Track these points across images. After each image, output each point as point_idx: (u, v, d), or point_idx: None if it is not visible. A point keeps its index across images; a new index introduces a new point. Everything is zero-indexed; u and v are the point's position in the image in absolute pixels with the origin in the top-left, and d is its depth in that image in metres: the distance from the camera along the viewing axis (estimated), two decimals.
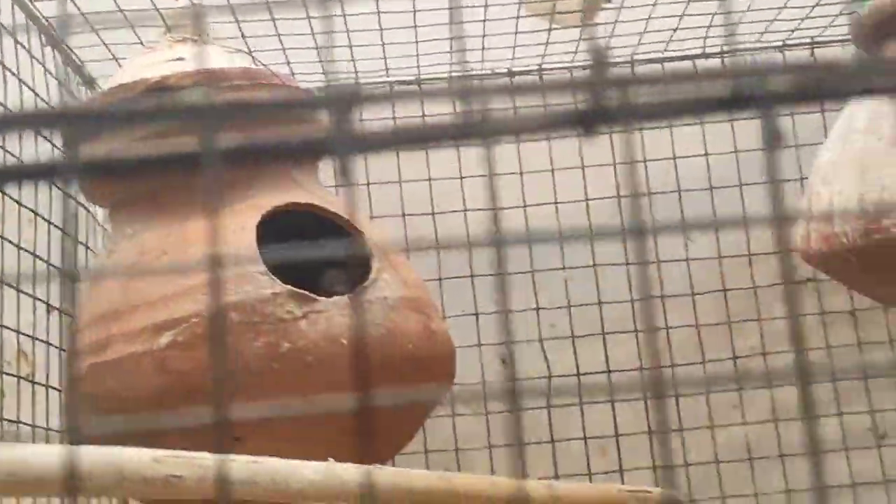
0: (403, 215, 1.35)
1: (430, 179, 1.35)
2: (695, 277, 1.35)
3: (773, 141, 0.28)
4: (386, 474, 0.84)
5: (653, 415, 1.31)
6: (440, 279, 1.33)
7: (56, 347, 1.11)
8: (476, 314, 1.33)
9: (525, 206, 1.34)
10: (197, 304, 0.96)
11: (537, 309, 1.33)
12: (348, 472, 0.83)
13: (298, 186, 1.08)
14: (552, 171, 1.35)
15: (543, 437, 1.30)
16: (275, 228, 1.03)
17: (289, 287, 0.97)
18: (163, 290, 0.98)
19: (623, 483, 1.28)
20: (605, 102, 0.29)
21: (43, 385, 1.08)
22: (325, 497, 0.85)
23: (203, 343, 0.95)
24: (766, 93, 0.28)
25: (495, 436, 1.31)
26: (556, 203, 1.35)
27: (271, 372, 0.94)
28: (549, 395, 1.30)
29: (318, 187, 1.11)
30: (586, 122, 0.29)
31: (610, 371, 1.32)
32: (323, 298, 0.98)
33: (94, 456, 0.71)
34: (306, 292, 0.98)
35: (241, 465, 0.76)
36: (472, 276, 1.33)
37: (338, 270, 1.08)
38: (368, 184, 1.34)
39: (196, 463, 0.73)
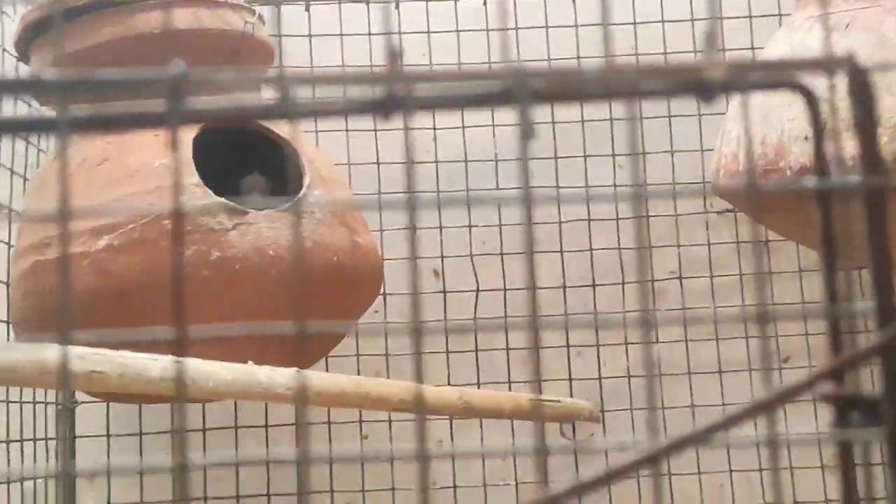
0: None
1: None
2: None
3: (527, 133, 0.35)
4: (300, 377, 0.91)
5: (573, 332, 1.39)
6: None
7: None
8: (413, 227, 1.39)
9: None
10: (134, 210, 1.03)
11: (469, 227, 1.40)
12: (263, 373, 0.91)
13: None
14: None
15: (469, 347, 1.38)
16: (212, 141, 1.09)
17: (221, 199, 1.04)
18: (103, 196, 1.04)
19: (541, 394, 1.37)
20: (396, 93, 0.35)
21: None
22: (240, 396, 0.93)
23: (137, 248, 1.01)
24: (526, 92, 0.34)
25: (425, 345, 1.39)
26: None
27: (201, 279, 1.01)
28: (476, 307, 1.38)
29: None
30: (383, 109, 0.35)
31: (536, 288, 1.39)
32: (252, 211, 1.05)
33: (21, 351, 0.78)
34: (236, 205, 1.04)
35: (162, 364, 0.83)
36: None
37: (258, 176, 1.14)
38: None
39: (117, 360, 0.80)
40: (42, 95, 0.89)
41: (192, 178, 1.04)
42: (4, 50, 1.19)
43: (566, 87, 0.35)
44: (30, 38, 1.14)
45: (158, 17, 1.09)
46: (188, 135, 1.07)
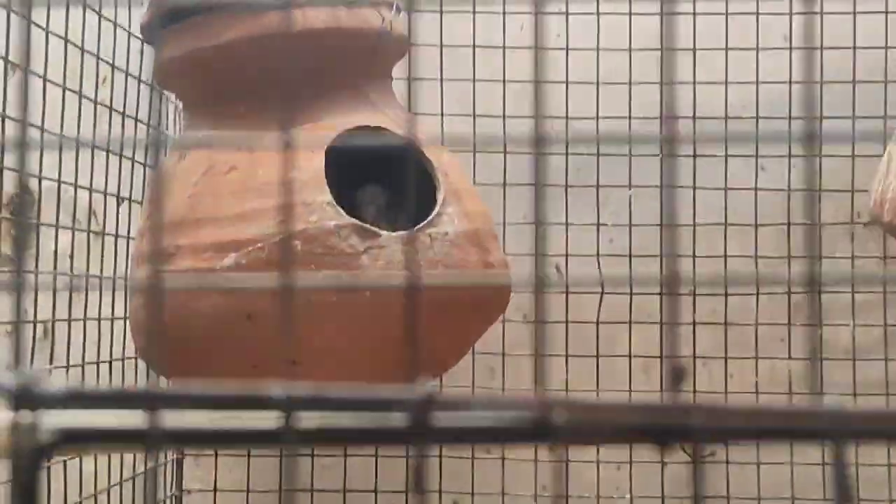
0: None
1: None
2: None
3: None
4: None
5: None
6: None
7: (127, 199, 1.14)
8: (536, 223, 1.33)
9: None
10: (263, 227, 0.98)
11: (597, 225, 1.34)
12: None
13: (371, 106, 1.07)
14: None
15: (590, 352, 1.32)
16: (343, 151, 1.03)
17: (353, 220, 0.98)
18: (230, 208, 0.99)
19: None
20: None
21: (112, 236, 1.12)
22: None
23: (266, 268, 0.97)
24: None
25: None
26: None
27: (330, 304, 0.97)
28: (599, 310, 1.32)
29: (392, 105, 1.10)
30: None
31: (666, 293, 1.33)
32: (384, 233, 0.99)
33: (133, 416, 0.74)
34: (369, 226, 0.99)
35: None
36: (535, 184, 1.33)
37: (376, 188, 1.09)
38: (442, 81, 1.33)
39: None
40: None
41: (323, 195, 0.99)
42: (130, 34, 1.14)
43: None
44: (158, 24, 1.08)
45: (296, 14, 1.03)
46: (322, 142, 1.01)
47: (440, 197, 1.04)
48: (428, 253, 1.01)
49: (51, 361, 1.05)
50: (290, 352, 0.92)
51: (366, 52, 1.07)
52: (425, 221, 1.02)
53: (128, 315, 1.11)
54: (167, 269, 1.01)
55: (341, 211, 0.99)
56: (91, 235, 1.12)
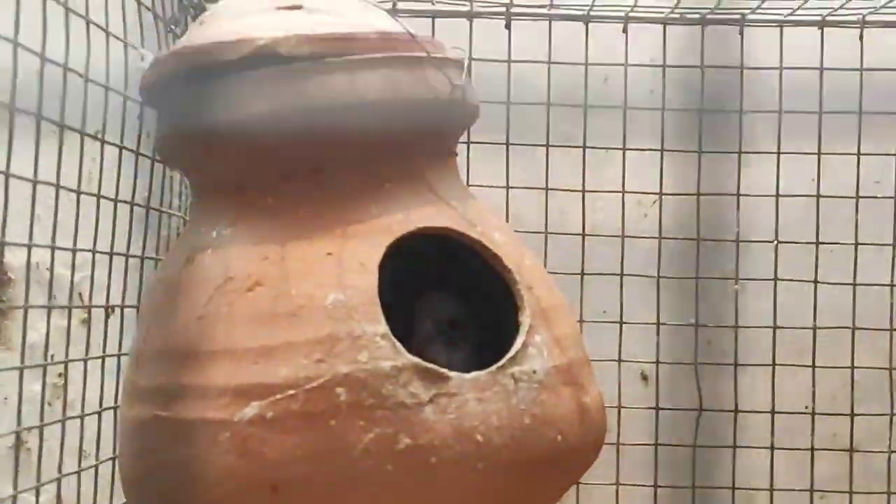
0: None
1: None
2: None
3: None
4: None
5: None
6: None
7: None
8: (620, 322, 1.09)
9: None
10: (296, 368, 0.74)
11: (696, 325, 1.09)
12: None
13: (433, 196, 0.83)
14: None
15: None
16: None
17: (415, 360, 0.74)
18: (253, 338, 0.75)
19: None
20: None
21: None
22: None
23: (299, 425, 0.73)
24: None
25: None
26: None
27: (383, 475, 0.72)
28: (697, 431, 1.07)
29: (457, 193, 0.86)
30: None
31: (775, 412, 1.09)
32: (455, 375, 0.75)
33: None
34: (435, 367, 0.75)
35: None
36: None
37: (444, 299, 0.85)
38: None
39: None
40: None
41: (376, 325, 0.74)
42: (127, 97, 0.90)
43: None
44: (161, 87, 0.84)
45: (341, 82, 0.78)
46: (374, 255, 0.77)
47: (524, 320, 0.80)
48: (511, 400, 0.77)
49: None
50: None
51: (430, 129, 0.83)
52: (508, 357, 0.78)
53: (116, 455, 0.87)
54: (166, 414, 0.77)
55: (400, 347, 0.74)
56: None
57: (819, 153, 1.08)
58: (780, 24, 1.09)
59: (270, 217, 0.80)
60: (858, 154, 1.08)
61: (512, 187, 1.09)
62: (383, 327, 0.75)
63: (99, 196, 0.86)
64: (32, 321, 0.80)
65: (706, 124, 1.09)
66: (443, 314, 0.84)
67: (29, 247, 0.77)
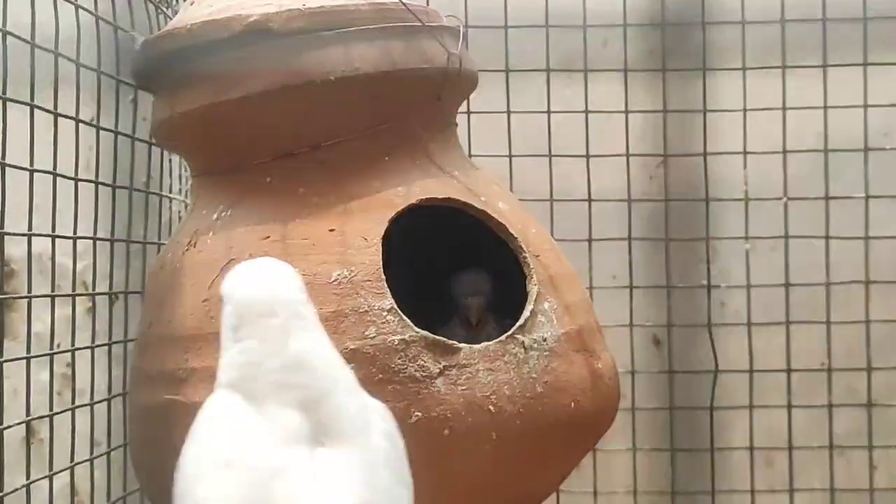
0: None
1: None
2: None
3: None
4: None
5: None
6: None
7: None
8: (630, 287, 1.08)
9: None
10: None
11: (708, 286, 1.08)
12: None
13: (434, 168, 0.82)
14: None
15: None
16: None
17: (423, 333, 0.73)
18: None
19: None
20: None
21: None
22: None
23: None
24: None
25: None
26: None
27: None
28: (714, 390, 1.06)
29: (459, 163, 0.85)
30: None
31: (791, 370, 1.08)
32: (464, 346, 0.74)
33: None
34: (444, 339, 0.74)
35: None
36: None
37: (481, 275, 0.84)
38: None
39: None
40: None
41: (382, 299, 0.74)
42: (120, 81, 0.89)
43: None
44: (154, 69, 0.83)
45: (338, 55, 0.77)
46: (376, 229, 0.76)
47: (532, 289, 0.79)
48: (522, 369, 0.76)
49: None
50: None
51: (428, 99, 0.82)
52: (517, 325, 0.77)
53: (128, 442, 0.86)
54: (176, 398, 0.76)
55: (407, 321, 0.74)
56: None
57: (825, 106, 1.07)
58: None
59: (271, 196, 0.79)
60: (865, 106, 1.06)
61: (514, 156, 1.08)
62: (389, 302, 0.74)
63: (97, 183, 0.84)
64: (37, 311, 0.79)
65: (709, 86, 1.07)
66: (487, 289, 0.82)
67: (29, 236, 0.76)
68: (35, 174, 0.75)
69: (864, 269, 1.08)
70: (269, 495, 0.48)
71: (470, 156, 0.95)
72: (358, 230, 0.76)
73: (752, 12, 1.07)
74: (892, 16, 1.06)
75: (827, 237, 1.07)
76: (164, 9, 0.96)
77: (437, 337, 0.74)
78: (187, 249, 0.81)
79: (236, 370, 0.53)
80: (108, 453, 0.90)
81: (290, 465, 0.49)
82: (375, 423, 0.54)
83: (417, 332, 0.73)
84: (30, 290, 0.80)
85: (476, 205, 0.81)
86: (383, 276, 0.74)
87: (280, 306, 0.54)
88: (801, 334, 1.08)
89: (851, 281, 1.07)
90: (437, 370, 0.73)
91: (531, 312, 0.78)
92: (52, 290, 0.82)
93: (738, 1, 1.07)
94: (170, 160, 1.03)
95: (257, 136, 0.80)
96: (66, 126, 0.80)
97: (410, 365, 0.73)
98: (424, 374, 0.73)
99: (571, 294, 0.82)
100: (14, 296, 0.85)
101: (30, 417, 0.78)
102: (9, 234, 0.74)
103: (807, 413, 1.09)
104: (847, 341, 1.09)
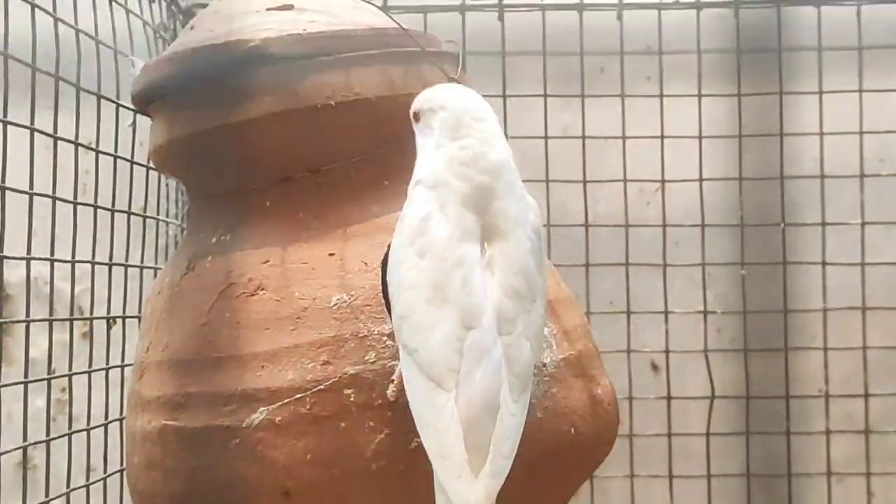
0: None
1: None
2: None
3: None
4: None
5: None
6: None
7: None
8: (628, 311, 1.08)
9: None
10: (303, 371, 0.73)
11: (704, 312, 1.08)
12: None
13: None
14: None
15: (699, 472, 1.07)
16: None
17: None
18: (258, 343, 0.74)
19: None
20: None
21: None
22: None
23: (309, 428, 0.72)
24: None
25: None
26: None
27: (396, 474, 0.71)
28: (710, 417, 1.06)
29: None
30: None
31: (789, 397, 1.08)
32: None
33: None
34: None
35: None
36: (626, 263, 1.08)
37: None
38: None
39: None
40: None
41: (381, 324, 0.73)
42: (119, 105, 0.89)
43: None
44: (154, 93, 0.83)
45: (337, 80, 0.77)
46: (376, 253, 0.76)
47: None
48: None
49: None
50: None
51: None
52: None
53: (124, 467, 0.86)
54: (174, 424, 0.76)
55: None
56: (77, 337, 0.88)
57: (821, 133, 1.07)
58: None
59: (270, 220, 0.79)
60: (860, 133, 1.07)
61: None
62: (389, 326, 0.74)
63: (96, 206, 0.84)
64: (34, 336, 0.79)
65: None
66: None
67: (28, 260, 0.76)
68: (34, 198, 0.75)
69: (860, 294, 1.08)
70: (450, 279, 0.64)
71: None
72: (358, 254, 0.76)
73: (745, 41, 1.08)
74: (887, 44, 1.07)
75: (823, 263, 1.07)
76: (163, 33, 0.96)
77: None
78: (186, 273, 0.81)
79: (445, 167, 0.67)
80: (104, 479, 0.89)
81: (466, 257, 0.64)
82: (530, 219, 0.68)
83: None
84: (27, 315, 0.80)
85: None
86: (383, 301, 0.74)
87: (488, 112, 0.69)
88: (798, 360, 1.08)
89: (848, 307, 1.08)
90: None
91: None
92: (50, 315, 0.82)
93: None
94: (167, 184, 1.02)
95: (256, 160, 0.80)
96: (65, 149, 0.80)
97: None
98: None
99: (570, 319, 0.82)
100: (11, 320, 0.84)
101: (26, 443, 0.77)
102: (8, 257, 0.73)
103: (804, 439, 1.08)
104: (844, 367, 1.09)
